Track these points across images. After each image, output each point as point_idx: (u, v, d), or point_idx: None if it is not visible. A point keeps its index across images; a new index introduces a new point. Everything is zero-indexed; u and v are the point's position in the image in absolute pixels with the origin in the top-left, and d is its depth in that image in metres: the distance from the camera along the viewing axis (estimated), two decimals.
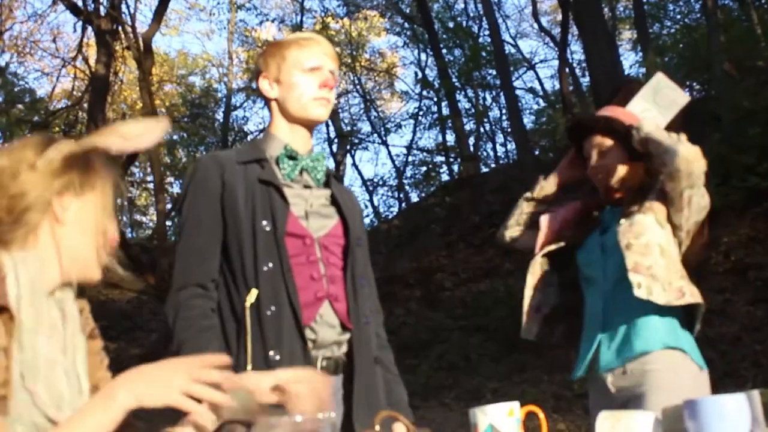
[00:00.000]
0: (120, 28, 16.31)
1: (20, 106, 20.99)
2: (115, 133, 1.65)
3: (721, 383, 7.26)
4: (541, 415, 1.96)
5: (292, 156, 2.35)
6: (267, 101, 2.43)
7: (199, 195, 2.27)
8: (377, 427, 1.64)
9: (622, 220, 2.62)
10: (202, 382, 1.41)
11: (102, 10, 15.51)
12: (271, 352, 2.09)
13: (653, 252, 2.55)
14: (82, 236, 1.57)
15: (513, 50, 24.81)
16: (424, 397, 9.98)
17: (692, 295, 2.58)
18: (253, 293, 2.14)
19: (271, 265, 2.16)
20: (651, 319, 2.56)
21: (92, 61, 18.85)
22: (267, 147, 2.38)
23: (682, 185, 2.52)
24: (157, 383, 1.41)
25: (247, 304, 2.14)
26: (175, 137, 27.87)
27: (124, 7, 15.96)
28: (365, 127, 27.22)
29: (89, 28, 17.06)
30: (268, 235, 2.18)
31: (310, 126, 2.42)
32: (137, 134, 1.66)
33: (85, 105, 18.78)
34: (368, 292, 2.34)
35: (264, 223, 2.19)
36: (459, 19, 24.57)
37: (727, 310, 8.85)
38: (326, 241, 2.29)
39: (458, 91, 23.23)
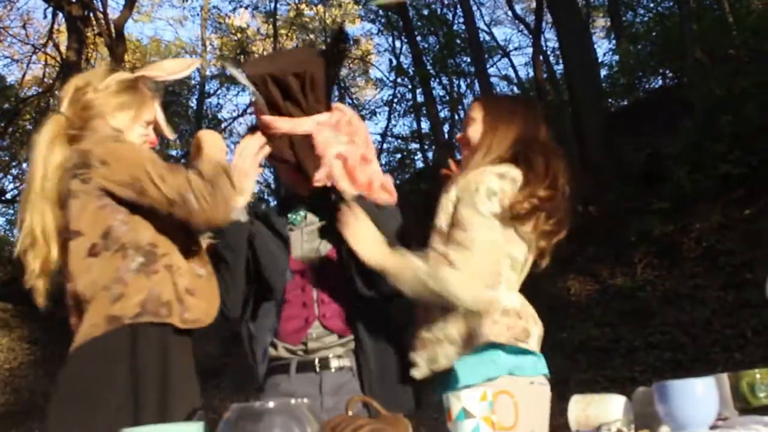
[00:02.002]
0: (91, 15, 16.15)
1: None
2: (158, 68, 2.41)
3: (692, 367, 7.36)
4: (514, 399, 1.98)
5: None
6: None
7: None
8: (350, 412, 1.65)
9: None
10: None
11: None
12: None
13: (434, 313, 2.36)
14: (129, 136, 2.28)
15: (487, 38, 24.83)
16: None
17: (479, 338, 2.24)
18: None
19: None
20: None
21: (63, 48, 18.66)
22: None
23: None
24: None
25: None
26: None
27: None
28: None
29: (60, 14, 16.89)
30: None
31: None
32: (175, 69, 2.41)
33: (57, 92, 18.58)
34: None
35: None
36: (433, 6, 24.53)
37: (698, 296, 8.94)
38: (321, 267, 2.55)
39: (433, 79, 23.19)
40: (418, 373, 2.37)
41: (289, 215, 2.64)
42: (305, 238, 2.61)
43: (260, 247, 2.54)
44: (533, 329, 2.31)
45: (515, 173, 2.34)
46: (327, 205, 2.58)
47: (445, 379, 2.28)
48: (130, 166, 2.12)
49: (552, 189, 2.38)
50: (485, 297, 2.22)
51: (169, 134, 2.48)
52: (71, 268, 2.16)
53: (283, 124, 2.46)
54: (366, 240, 2.36)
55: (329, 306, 2.52)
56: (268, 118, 2.47)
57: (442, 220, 2.37)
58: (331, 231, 2.52)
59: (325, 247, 2.57)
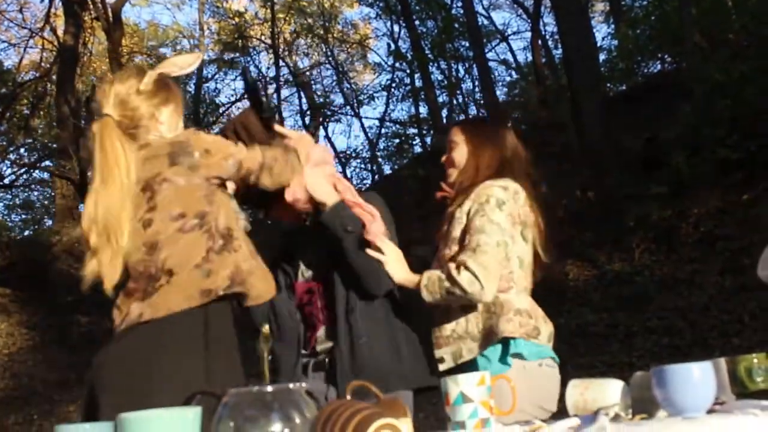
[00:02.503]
0: None
1: None
2: (170, 64, 2.66)
3: (690, 352, 7.38)
4: (511, 384, 1.98)
5: None
6: None
7: None
8: (348, 396, 1.65)
9: None
10: None
11: None
12: None
13: (454, 313, 2.67)
14: (171, 130, 2.53)
15: (486, 22, 24.74)
16: None
17: (496, 334, 2.57)
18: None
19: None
20: None
21: (60, 32, 18.60)
22: None
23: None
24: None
25: None
26: None
27: None
28: (338, 99, 27.12)
29: None
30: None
31: None
32: (184, 64, 2.66)
33: (54, 77, 18.55)
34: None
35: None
36: None
37: (696, 281, 8.96)
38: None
39: (431, 63, 23.11)
40: (445, 366, 2.65)
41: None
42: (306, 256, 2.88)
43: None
44: (543, 327, 2.64)
45: (515, 186, 2.67)
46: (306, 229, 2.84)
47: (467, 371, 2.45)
48: (227, 152, 2.47)
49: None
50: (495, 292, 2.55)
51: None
52: (159, 239, 2.38)
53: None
54: (395, 263, 2.67)
55: (328, 315, 2.76)
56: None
57: (457, 230, 2.67)
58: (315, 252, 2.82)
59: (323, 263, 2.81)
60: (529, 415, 2.22)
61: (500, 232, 2.56)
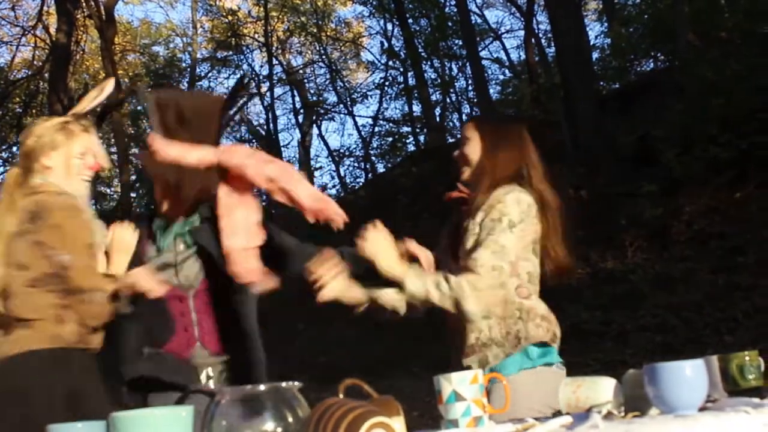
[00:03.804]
0: None
1: None
2: (80, 104, 2.82)
3: (683, 350, 7.40)
4: (504, 382, 1.98)
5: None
6: None
7: None
8: (341, 395, 1.65)
9: None
10: None
11: None
12: None
13: (475, 322, 2.62)
14: (63, 174, 2.70)
15: (479, 20, 24.73)
16: (391, 366, 10.04)
17: (526, 338, 2.59)
18: None
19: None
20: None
21: (53, 30, 18.53)
22: None
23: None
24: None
25: None
26: (139, 108, 27.55)
27: None
28: (331, 98, 27.09)
29: None
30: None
31: None
32: (92, 96, 2.81)
33: (47, 75, 18.49)
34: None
35: None
36: None
37: (689, 279, 8.98)
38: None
39: (424, 62, 23.14)
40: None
41: (158, 239, 2.78)
42: (180, 266, 2.73)
43: None
44: (558, 332, 2.69)
45: (529, 199, 2.63)
46: (203, 232, 2.74)
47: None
48: (70, 245, 2.56)
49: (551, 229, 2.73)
50: (490, 310, 2.56)
51: (105, 163, 2.86)
52: (13, 290, 2.56)
53: (171, 151, 2.56)
54: (387, 257, 2.57)
55: (207, 329, 2.72)
56: (159, 144, 2.57)
57: (470, 242, 2.63)
58: (205, 256, 2.71)
59: (199, 274, 2.71)
60: (539, 413, 2.21)
61: (501, 256, 2.53)
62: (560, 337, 2.70)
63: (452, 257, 2.69)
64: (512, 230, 2.56)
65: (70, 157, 2.74)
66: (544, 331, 2.61)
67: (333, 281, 2.56)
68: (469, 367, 2.59)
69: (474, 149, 2.75)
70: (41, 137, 2.73)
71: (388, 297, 2.60)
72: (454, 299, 2.48)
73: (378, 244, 2.57)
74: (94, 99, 2.84)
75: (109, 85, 2.88)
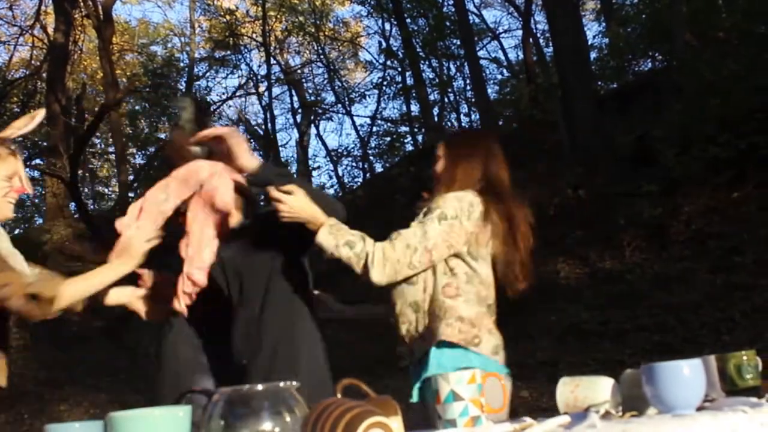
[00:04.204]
0: None
1: None
2: (9, 128, 2.81)
3: (680, 349, 7.40)
4: (503, 382, 1.98)
5: None
6: None
7: None
8: (339, 395, 1.65)
9: None
10: None
11: None
12: None
13: (406, 314, 2.73)
14: None
15: (477, 20, 24.73)
16: (389, 366, 10.03)
17: (436, 337, 2.62)
18: None
19: None
20: None
21: (51, 30, 18.53)
22: None
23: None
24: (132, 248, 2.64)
25: None
26: (137, 108, 27.54)
27: None
28: (329, 98, 27.06)
29: None
30: None
31: None
32: (22, 125, 2.81)
33: (44, 74, 18.48)
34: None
35: None
36: None
37: (688, 279, 8.97)
38: None
39: (422, 61, 23.13)
40: (406, 362, 2.79)
41: None
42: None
43: None
44: (485, 338, 2.62)
45: (473, 199, 2.68)
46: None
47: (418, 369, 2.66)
48: None
49: (508, 245, 2.73)
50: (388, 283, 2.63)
51: (29, 189, 2.85)
52: None
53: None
54: (309, 209, 2.62)
55: None
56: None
57: None
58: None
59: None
60: None
61: (420, 239, 2.61)
62: (498, 345, 2.66)
63: None
64: (440, 222, 2.63)
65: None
66: (454, 332, 2.60)
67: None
68: (400, 356, 2.80)
69: (440, 165, 2.87)
70: None
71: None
72: (363, 262, 2.57)
73: (297, 202, 2.61)
74: (23, 127, 2.85)
75: (39, 115, 2.90)
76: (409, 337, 2.71)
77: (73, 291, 2.59)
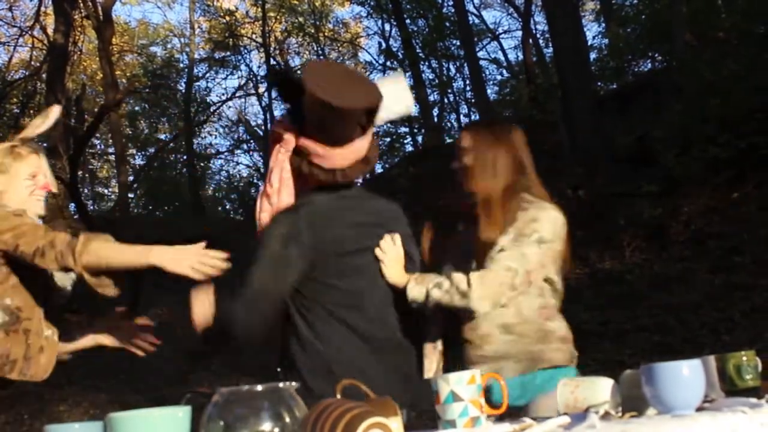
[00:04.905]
0: None
1: None
2: (28, 128, 2.86)
3: (680, 349, 7.39)
4: (502, 383, 1.98)
5: None
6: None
7: None
8: (338, 395, 1.65)
9: None
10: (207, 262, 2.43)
11: None
12: None
13: (494, 336, 2.61)
14: (13, 196, 2.73)
15: (477, 21, 24.76)
16: None
17: (547, 360, 2.59)
18: None
19: None
20: None
21: (50, 31, 18.50)
22: None
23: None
24: (178, 257, 2.45)
25: None
26: (136, 108, 27.55)
27: None
28: None
29: None
30: None
31: None
32: (39, 122, 2.85)
33: (44, 75, 18.46)
34: None
35: None
36: None
37: (688, 279, 8.98)
38: None
39: (422, 62, 23.15)
40: None
41: None
42: None
43: None
44: (575, 351, 2.68)
45: (559, 215, 2.65)
46: None
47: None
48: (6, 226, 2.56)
49: None
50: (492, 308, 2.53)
51: (53, 187, 2.88)
52: None
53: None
54: (393, 268, 2.57)
55: None
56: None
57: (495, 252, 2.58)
58: None
59: None
60: None
61: (520, 262, 2.53)
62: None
63: (456, 265, 2.65)
64: (540, 245, 2.56)
65: (19, 179, 2.78)
66: (563, 355, 2.62)
67: None
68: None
69: (472, 158, 2.73)
70: None
71: None
72: (460, 292, 2.46)
73: (389, 255, 2.56)
74: (39, 126, 2.86)
75: (53, 112, 2.89)
76: (495, 357, 2.58)
77: (98, 248, 2.49)
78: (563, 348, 2.63)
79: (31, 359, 2.65)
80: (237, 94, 27.49)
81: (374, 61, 26.49)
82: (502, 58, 26.09)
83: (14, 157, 2.79)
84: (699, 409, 1.74)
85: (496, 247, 2.56)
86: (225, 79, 26.68)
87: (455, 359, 2.69)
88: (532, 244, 2.54)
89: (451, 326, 2.65)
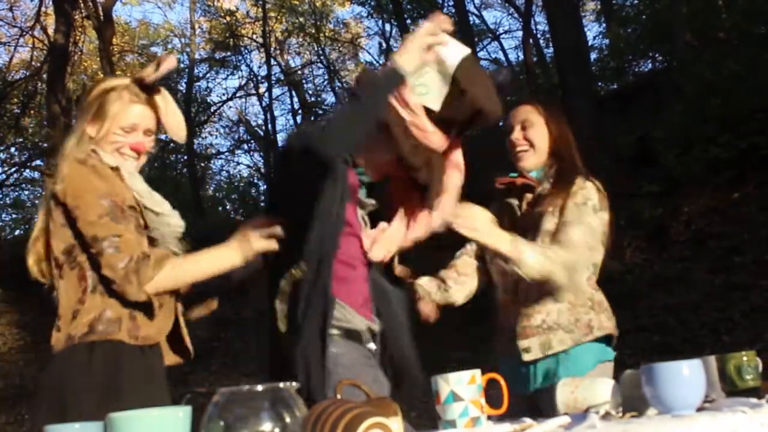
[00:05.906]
0: None
1: None
2: (146, 69, 2.40)
3: (680, 349, 7.40)
4: (502, 383, 1.98)
5: None
6: None
7: None
8: (338, 395, 1.65)
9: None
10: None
11: None
12: None
13: (544, 304, 2.63)
14: (103, 146, 2.35)
15: (477, 21, 24.75)
16: None
17: (600, 328, 2.66)
18: None
19: None
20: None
21: (51, 31, 18.51)
22: None
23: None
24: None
25: None
26: None
27: None
28: (329, 98, 27.11)
29: None
30: None
31: None
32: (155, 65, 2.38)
33: (45, 75, 18.47)
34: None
35: None
36: None
37: (688, 279, 8.97)
38: None
39: None
40: (531, 356, 2.64)
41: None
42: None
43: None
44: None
45: (603, 192, 2.70)
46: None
47: (552, 363, 2.60)
48: (84, 201, 2.21)
49: None
50: (578, 286, 2.62)
51: (149, 147, 2.45)
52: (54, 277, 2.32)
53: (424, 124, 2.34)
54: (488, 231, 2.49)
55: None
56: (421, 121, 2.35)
57: (551, 223, 2.63)
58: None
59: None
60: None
61: (593, 236, 2.60)
62: None
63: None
64: (596, 214, 2.62)
65: (109, 131, 2.35)
66: (614, 324, 2.70)
67: None
68: (526, 349, 2.63)
69: (540, 133, 2.75)
70: (90, 99, 2.40)
71: None
72: (568, 268, 2.52)
73: (474, 219, 2.47)
74: (151, 74, 2.39)
75: (168, 61, 2.41)
76: (544, 328, 2.61)
77: (174, 273, 2.20)
78: (613, 318, 2.73)
79: (135, 319, 2.25)
80: (237, 95, 27.49)
81: (375, 61, 26.49)
82: (503, 59, 26.05)
83: (111, 105, 2.36)
84: (699, 409, 1.74)
85: (546, 220, 2.62)
86: (225, 79, 26.71)
87: (477, 340, 2.73)
88: (590, 214, 2.61)
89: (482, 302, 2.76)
